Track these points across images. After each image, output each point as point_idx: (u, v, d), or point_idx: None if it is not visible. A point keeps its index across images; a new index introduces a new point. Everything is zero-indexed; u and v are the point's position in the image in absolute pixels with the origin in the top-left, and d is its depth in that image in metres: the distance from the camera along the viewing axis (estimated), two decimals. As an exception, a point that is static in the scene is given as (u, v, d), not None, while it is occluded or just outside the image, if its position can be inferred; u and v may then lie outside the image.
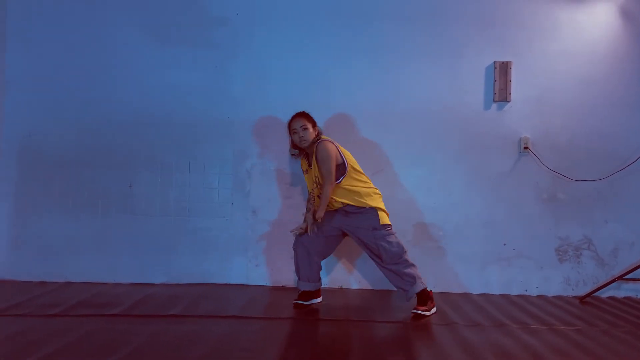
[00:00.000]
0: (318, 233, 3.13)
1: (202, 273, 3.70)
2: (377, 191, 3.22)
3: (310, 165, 3.21)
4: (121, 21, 3.73)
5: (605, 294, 3.64)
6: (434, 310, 3.08)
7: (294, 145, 3.30)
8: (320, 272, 3.29)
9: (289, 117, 3.53)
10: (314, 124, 3.24)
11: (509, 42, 3.68)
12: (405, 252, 3.11)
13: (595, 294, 3.58)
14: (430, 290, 3.15)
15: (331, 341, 2.56)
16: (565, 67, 3.67)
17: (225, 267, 3.71)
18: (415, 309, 3.03)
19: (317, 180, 3.17)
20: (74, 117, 3.72)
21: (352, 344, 2.51)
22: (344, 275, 3.71)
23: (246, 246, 3.71)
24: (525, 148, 3.64)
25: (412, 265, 3.10)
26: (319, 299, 3.26)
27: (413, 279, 3.05)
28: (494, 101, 3.67)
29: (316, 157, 3.12)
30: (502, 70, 3.66)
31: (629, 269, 3.46)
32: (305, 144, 3.16)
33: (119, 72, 3.72)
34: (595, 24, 3.67)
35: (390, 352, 2.42)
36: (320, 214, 3.07)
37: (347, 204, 3.12)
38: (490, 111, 3.68)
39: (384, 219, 3.12)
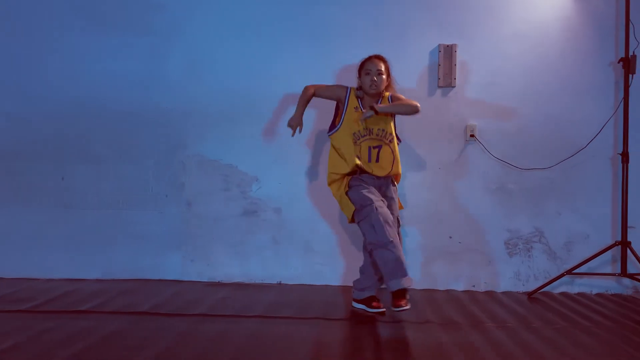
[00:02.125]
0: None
1: (136, 268, 3.58)
2: None
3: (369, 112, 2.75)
4: (52, 6, 3.62)
5: (557, 289, 3.43)
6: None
7: (358, 88, 2.92)
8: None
9: (228, 107, 3.42)
10: (389, 74, 2.91)
11: (454, 23, 3.49)
12: None
13: (547, 290, 3.38)
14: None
15: (211, 341, 2.39)
16: (514, 50, 3.47)
17: (159, 262, 3.58)
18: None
19: (385, 136, 2.84)
20: (2, 108, 3.62)
21: (248, 342, 2.36)
22: (281, 269, 3.55)
23: (181, 240, 3.58)
24: (472, 136, 3.45)
25: None
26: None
27: None
28: (439, 87, 3.49)
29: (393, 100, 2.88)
30: (447, 54, 3.47)
31: (579, 262, 3.24)
32: (374, 89, 2.82)
33: (50, 60, 3.62)
34: (547, 3, 3.46)
35: (293, 351, 2.25)
36: (384, 108, 2.76)
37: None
38: (435, 97, 3.50)
39: None
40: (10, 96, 3.62)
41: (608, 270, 3.41)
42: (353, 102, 2.90)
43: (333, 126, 2.92)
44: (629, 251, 3.09)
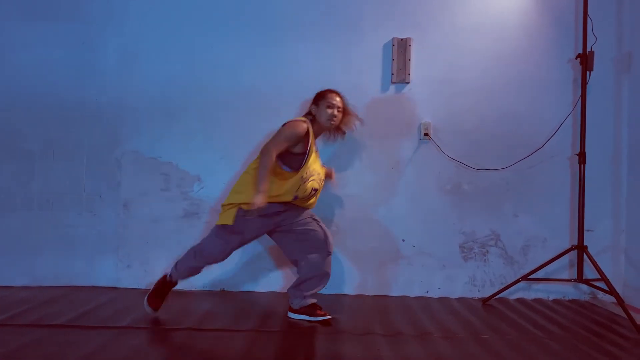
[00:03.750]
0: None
1: (67, 274, 3.31)
2: None
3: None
4: (-21, -7, 3.33)
5: (514, 295, 3.28)
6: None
7: (313, 118, 2.76)
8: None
9: (166, 100, 3.22)
10: (344, 112, 2.84)
11: (409, 16, 3.31)
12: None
13: (503, 296, 3.23)
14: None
15: (127, 357, 2.16)
16: (471, 44, 3.31)
17: (93, 267, 3.32)
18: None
19: (320, 183, 2.80)
20: None
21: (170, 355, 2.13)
22: (224, 275, 3.33)
23: (116, 244, 3.32)
24: (426, 134, 3.28)
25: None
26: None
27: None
28: (392, 82, 3.30)
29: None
30: (401, 48, 3.29)
31: (535, 268, 3.10)
32: (332, 124, 2.74)
33: (-29, 49, 3.32)
34: (504, -4, 3.31)
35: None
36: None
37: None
38: (388, 94, 3.32)
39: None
40: None
41: (566, 274, 3.29)
42: (313, 141, 2.72)
43: (302, 156, 2.67)
44: (585, 256, 2.95)
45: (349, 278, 3.30)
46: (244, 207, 2.56)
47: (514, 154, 3.27)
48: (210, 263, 2.74)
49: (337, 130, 2.89)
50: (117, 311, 2.76)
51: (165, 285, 2.74)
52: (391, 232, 3.31)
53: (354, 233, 3.30)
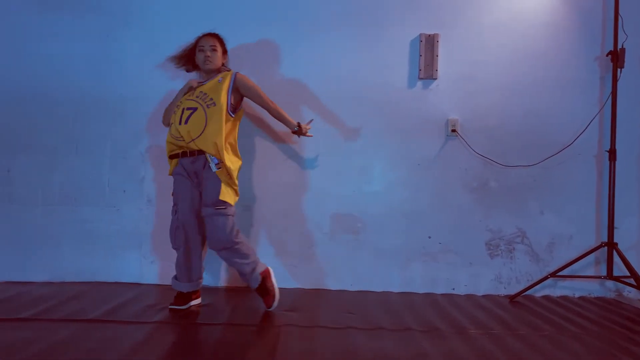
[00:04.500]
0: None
1: (89, 270, 3.26)
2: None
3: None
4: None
5: (540, 292, 3.28)
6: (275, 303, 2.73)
7: (191, 64, 2.89)
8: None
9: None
10: (225, 51, 2.89)
11: (436, 12, 3.30)
12: (232, 245, 2.65)
13: (529, 293, 3.22)
14: (267, 275, 2.76)
15: (178, 347, 2.14)
16: (498, 41, 3.30)
17: (115, 263, 3.27)
18: (265, 304, 2.73)
19: (206, 100, 2.68)
20: (-60, 92, 3.25)
21: (217, 350, 2.10)
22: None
23: (140, 240, 3.28)
24: (453, 131, 3.26)
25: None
26: (199, 300, 2.83)
27: (245, 276, 2.71)
28: (419, 78, 3.29)
29: (236, 85, 2.76)
30: (429, 44, 3.28)
31: (563, 265, 3.10)
32: (209, 66, 2.77)
33: (-7, 42, 3.27)
34: (531, -6, 3.31)
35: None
36: (293, 122, 2.88)
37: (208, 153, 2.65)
38: (415, 90, 3.30)
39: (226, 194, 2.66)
40: (-53, 78, 3.25)
41: (590, 271, 3.28)
42: (189, 84, 2.83)
43: None
44: (614, 253, 2.95)
45: (374, 275, 3.28)
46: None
47: (539, 151, 3.27)
48: (174, 247, 2.78)
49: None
50: (149, 306, 2.72)
51: (265, 282, 2.70)
52: (417, 229, 3.29)
53: (379, 230, 3.28)
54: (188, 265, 2.76)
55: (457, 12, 3.29)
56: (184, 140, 2.64)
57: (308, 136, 2.95)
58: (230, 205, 2.66)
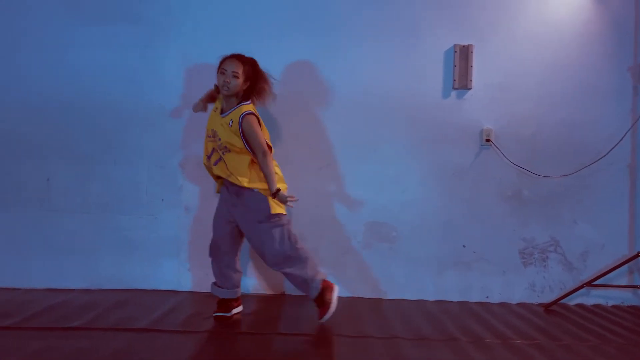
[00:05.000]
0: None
1: (127, 277, 3.30)
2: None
3: (223, 111, 2.74)
4: (38, -4, 3.32)
5: (573, 301, 3.31)
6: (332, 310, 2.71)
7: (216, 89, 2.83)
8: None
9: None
10: (249, 77, 2.72)
11: (470, 23, 3.32)
12: (292, 252, 2.67)
13: (562, 302, 3.25)
14: (329, 288, 2.75)
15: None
16: (531, 52, 3.33)
17: (153, 271, 3.31)
18: (319, 314, 2.71)
19: (221, 147, 2.71)
20: (-19, 102, 3.29)
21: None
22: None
23: (177, 248, 3.32)
24: (488, 140, 3.29)
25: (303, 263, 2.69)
26: (240, 308, 2.88)
27: (305, 283, 2.69)
28: (454, 88, 3.32)
29: (242, 130, 2.65)
30: (463, 55, 3.31)
31: (599, 274, 3.13)
32: (226, 91, 2.66)
33: (33, 52, 3.29)
34: (564, 4, 3.32)
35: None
36: (273, 187, 2.65)
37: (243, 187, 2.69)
38: (449, 99, 3.33)
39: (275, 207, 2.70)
40: (-9, 91, 3.29)
41: (623, 280, 3.31)
42: (217, 102, 2.83)
43: None
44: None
45: (408, 283, 3.31)
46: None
47: (573, 161, 3.30)
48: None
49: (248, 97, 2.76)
50: (194, 314, 2.77)
51: (324, 293, 2.71)
52: (451, 238, 3.32)
53: (414, 238, 3.32)
54: (224, 275, 2.83)
55: (491, 24, 3.32)
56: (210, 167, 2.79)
57: (288, 206, 2.73)
58: (283, 215, 2.70)
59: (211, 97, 2.94)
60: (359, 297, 3.27)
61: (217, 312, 2.77)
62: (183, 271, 3.32)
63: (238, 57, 2.71)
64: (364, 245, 3.31)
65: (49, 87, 3.30)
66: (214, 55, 3.20)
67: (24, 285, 3.25)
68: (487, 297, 3.32)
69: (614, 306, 3.29)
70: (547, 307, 3.19)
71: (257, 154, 2.65)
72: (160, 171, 3.32)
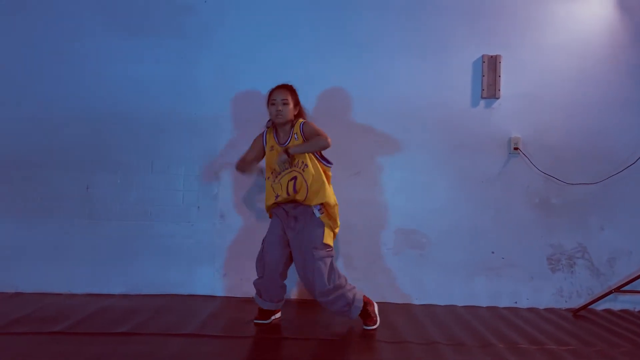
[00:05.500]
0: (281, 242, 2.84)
1: (164, 283, 3.40)
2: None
3: (281, 143, 2.84)
4: (79, 11, 3.42)
5: (600, 306, 3.37)
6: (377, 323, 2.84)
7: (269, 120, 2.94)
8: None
9: (260, 114, 3.31)
10: (297, 102, 2.88)
11: (498, 34, 3.41)
12: (338, 282, 2.74)
13: (590, 307, 3.31)
14: (370, 303, 2.88)
15: None
16: (558, 62, 3.40)
17: (190, 276, 3.41)
18: (365, 324, 2.82)
19: (298, 165, 2.79)
20: (26, 115, 3.40)
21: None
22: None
23: (213, 254, 3.42)
24: (516, 148, 3.37)
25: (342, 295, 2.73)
26: (279, 314, 2.97)
27: (347, 306, 2.73)
28: (482, 98, 3.40)
29: (303, 132, 2.79)
30: (491, 65, 3.39)
31: (627, 279, 3.20)
32: (280, 119, 2.79)
33: (76, 65, 3.42)
34: (590, 16, 3.41)
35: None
36: (295, 149, 2.71)
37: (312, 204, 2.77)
38: (478, 109, 3.41)
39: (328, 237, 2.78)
40: (33, 101, 3.40)
41: (650, 286, 3.37)
42: (269, 141, 2.89)
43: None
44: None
45: (438, 289, 3.39)
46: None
47: (599, 168, 3.36)
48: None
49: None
50: (234, 320, 2.85)
51: (366, 308, 2.80)
52: (480, 245, 3.39)
53: (443, 245, 3.39)
54: (271, 291, 2.86)
55: (519, 35, 3.40)
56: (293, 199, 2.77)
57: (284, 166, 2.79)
58: (331, 247, 2.78)
59: (257, 155, 2.97)
60: (389, 303, 3.33)
61: (257, 319, 2.85)
62: (218, 277, 3.41)
63: (283, 86, 2.87)
64: (394, 252, 3.39)
65: (91, 98, 3.41)
66: (246, 69, 3.34)
67: (65, 291, 3.36)
68: (516, 303, 3.39)
69: (640, 311, 3.36)
70: (576, 312, 3.25)
71: (317, 138, 2.72)
72: (196, 180, 3.42)
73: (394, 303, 3.34)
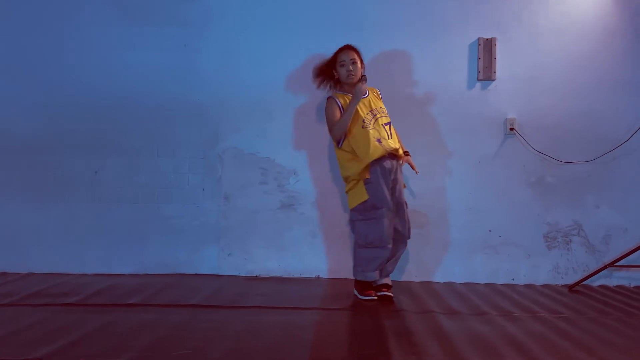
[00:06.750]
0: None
1: (172, 262, 3.52)
2: None
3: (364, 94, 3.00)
4: (88, 1, 3.55)
5: (596, 282, 3.44)
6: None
7: (331, 78, 3.05)
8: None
9: (263, 99, 3.42)
10: (362, 60, 3.02)
11: (493, 17, 3.49)
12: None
13: (586, 283, 3.39)
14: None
15: (289, 332, 2.36)
16: (553, 44, 3.48)
17: (196, 256, 3.52)
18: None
19: (376, 111, 2.98)
20: (35, 101, 3.54)
21: (317, 333, 2.33)
22: (319, 263, 3.52)
23: (218, 234, 3.53)
24: (511, 129, 3.45)
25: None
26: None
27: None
28: (478, 80, 3.48)
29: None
30: (487, 47, 3.47)
31: (621, 255, 3.27)
32: (353, 79, 2.93)
33: (82, 53, 3.55)
34: (585, -2, 3.48)
35: (357, 342, 2.23)
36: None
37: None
38: (474, 90, 3.50)
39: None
40: (44, 90, 3.54)
41: (644, 262, 3.44)
42: (345, 102, 2.96)
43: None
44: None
45: (437, 266, 3.48)
46: (360, 176, 2.87)
47: (594, 148, 3.43)
48: (379, 246, 2.90)
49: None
50: (241, 294, 2.95)
51: (362, 286, 2.94)
52: (478, 223, 3.48)
53: (442, 223, 3.48)
54: (384, 259, 2.95)
55: (514, 17, 3.48)
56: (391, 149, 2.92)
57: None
58: None
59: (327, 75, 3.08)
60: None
61: (383, 291, 2.96)
62: (223, 256, 3.52)
63: (348, 47, 3.00)
64: (394, 231, 3.48)
65: (97, 85, 3.54)
66: (249, 54, 3.44)
67: (76, 271, 3.49)
68: (513, 279, 3.47)
69: (635, 287, 3.42)
70: (571, 288, 3.33)
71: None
72: (200, 163, 3.53)
73: (393, 280, 3.42)
